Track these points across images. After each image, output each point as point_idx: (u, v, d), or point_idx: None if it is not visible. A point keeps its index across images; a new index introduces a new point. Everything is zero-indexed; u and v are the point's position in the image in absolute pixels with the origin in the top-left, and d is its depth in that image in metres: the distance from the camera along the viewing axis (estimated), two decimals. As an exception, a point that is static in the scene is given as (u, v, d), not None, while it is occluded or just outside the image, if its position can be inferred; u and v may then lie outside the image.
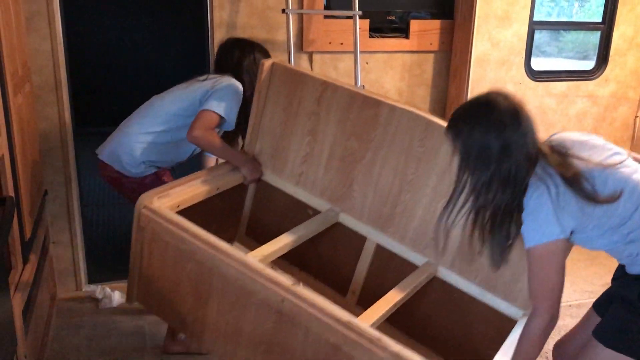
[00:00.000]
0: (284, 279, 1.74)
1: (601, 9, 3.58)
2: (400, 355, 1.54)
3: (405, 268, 2.12)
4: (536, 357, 1.59)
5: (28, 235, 2.22)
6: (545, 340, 1.57)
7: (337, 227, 2.28)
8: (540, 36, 3.55)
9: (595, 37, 3.65)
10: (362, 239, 2.24)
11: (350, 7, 2.94)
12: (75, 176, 2.90)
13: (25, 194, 2.22)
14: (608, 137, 4.08)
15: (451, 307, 2.11)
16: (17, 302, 1.92)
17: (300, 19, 3.04)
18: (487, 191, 1.55)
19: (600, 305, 1.78)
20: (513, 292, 1.95)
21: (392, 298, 1.93)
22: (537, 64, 3.64)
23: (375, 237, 2.20)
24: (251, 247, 2.36)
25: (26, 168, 2.28)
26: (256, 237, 2.49)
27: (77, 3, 5.43)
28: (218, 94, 2.27)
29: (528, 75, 3.46)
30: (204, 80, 2.37)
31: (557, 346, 1.92)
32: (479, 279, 2.01)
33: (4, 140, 1.98)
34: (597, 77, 3.64)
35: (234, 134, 2.51)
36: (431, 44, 3.32)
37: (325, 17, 3.06)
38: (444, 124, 1.98)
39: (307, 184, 2.32)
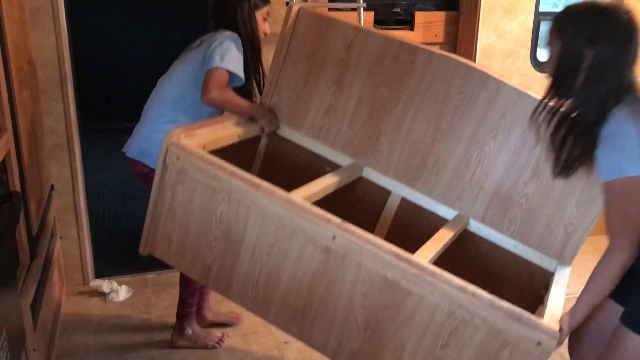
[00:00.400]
0: (333, 216, 1.69)
1: (608, -1, 3.55)
2: (465, 287, 1.53)
3: (432, 222, 2.09)
4: (608, 293, 1.57)
5: (35, 230, 2.23)
6: (620, 277, 1.54)
7: (360, 181, 2.22)
8: (546, 27, 3.52)
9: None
10: (385, 194, 2.19)
11: (354, -1, 2.93)
12: (81, 171, 2.90)
13: (32, 189, 2.23)
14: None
15: (482, 261, 2.08)
16: (26, 296, 1.93)
17: (305, 11, 3.03)
18: (573, 101, 1.49)
19: (619, 293, 1.67)
20: (547, 243, 1.94)
21: (433, 247, 1.86)
22: (544, 55, 3.61)
23: (400, 191, 2.15)
24: None
25: (32, 163, 2.29)
26: None
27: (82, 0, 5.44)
28: (218, 50, 2.15)
29: (534, 67, 3.43)
30: (198, 45, 2.28)
31: (574, 344, 1.83)
32: (512, 230, 1.99)
33: (10, 135, 1.99)
34: (604, 68, 3.61)
35: (244, 90, 2.39)
36: (436, 35, 3.30)
37: (330, 9, 3.05)
38: (485, 70, 1.99)
39: (328, 138, 2.24)
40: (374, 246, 1.63)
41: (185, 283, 2.46)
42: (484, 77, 1.98)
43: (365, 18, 3.02)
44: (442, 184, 2.08)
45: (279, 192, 1.75)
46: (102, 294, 2.96)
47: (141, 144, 2.29)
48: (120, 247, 3.52)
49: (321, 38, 2.19)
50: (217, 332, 2.61)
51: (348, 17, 3.06)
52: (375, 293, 1.65)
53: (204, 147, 1.95)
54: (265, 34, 2.36)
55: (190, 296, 2.49)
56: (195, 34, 2.36)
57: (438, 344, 1.60)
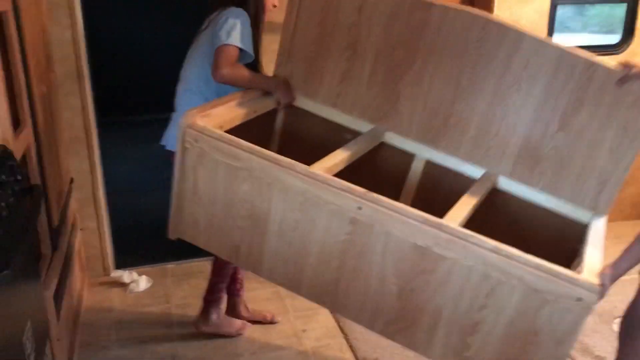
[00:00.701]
0: (357, 187, 1.67)
1: None
2: (498, 248, 1.53)
3: (460, 183, 2.05)
4: None
5: (56, 222, 2.27)
6: None
7: (382, 147, 2.17)
8: (564, 11, 3.47)
9: (620, 10, 3.55)
10: (409, 157, 2.15)
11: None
12: (99, 163, 2.94)
13: (52, 182, 2.26)
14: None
15: (513, 218, 2.05)
16: (48, 287, 1.97)
17: None
18: None
19: None
20: (580, 193, 1.90)
21: (462, 209, 1.82)
22: (562, 40, 3.56)
23: (424, 153, 2.12)
24: None
25: (52, 157, 2.32)
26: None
27: (96, -8, 5.47)
28: (224, 28, 2.10)
29: (551, 52, 3.39)
30: (206, 27, 2.24)
31: (625, 319, 1.81)
32: (542, 184, 1.96)
33: (30, 130, 2.02)
34: (623, 51, 3.55)
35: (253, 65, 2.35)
36: (451, 22, 3.26)
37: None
38: (503, 22, 1.93)
39: (345, 104, 2.19)
40: (401, 213, 1.61)
41: (219, 266, 2.46)
42: (503, 30, 1.91)
43: None
44: (466, 142, 2.03)
45: (300, 166, 1.72)
46: (122, 285, 3.00)
47: (177, 134, 2.28)
48: (140, 237, 3.56)
49: (330, 2, 2.12)
50: (239, 321, 2.62)
51: None
52: (406, 261, 1.64)
53: (221, 127, 1.92)
54: (274, 6, 2.30)
55: (222, 280, 2.48)
56: None
57: (475, 307, 1.60)
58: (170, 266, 3.21)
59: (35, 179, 2.02)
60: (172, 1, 5.77)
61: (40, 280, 1.88)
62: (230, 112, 2.02)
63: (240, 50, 2.12)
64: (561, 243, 1.95)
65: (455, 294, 1.61)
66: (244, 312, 2.67)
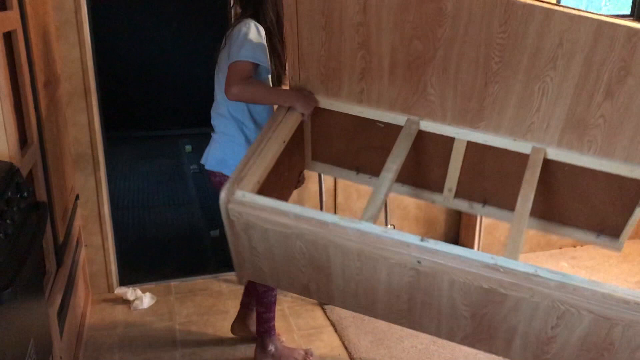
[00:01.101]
0: (412, 237, 1.65)
1: (630, 1, 3.51)
2: (563, 285, 1.54)
3: (506, 159, 2.02)
4: None
5: (61, 239, 2.27)
6: None
7: (420, 136, 2.11)
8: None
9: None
10: (449, 141, 2.10)
11: None
12: (105, 180, 2.95)
13: (58, 199, 2.27)
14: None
15: (568, 186, 2.02)
16: (53, 304, 1.96)
17: None
18: None
19: None
20: (636, 151, 1.85)
21: (525, 205, 1.81)
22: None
23: (464, 135, 2.06)
24: (323, 170, 2.38)
25: (58, 174, 2.33)
26: (325, 160, 2.37)
27: (105, 11, 5.53)
28: (237, 42, 2.03)
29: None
30: (224, 45, 2.18)
31: None
32: (594, 150, 1.91)
33: (36, 147, 2.03)
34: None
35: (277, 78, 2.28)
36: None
37: None
38: (527, 1, 1.78)
39: (371, 99, 2.11)
40: (462, 262, 1.61)
41: (260, 297, 2.42)
42: (528, 10, 1.77)
43: None
44: (507, 120, 1.96)
45: (349, 225, 1.69)
46: (126, 302, 2.99)
47: (217, 154, 2.27)
48: (144, 254, 3.56)
49: (330, 5, 1.99)
50: (300, 350, 2.57)
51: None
52: (474, 296, 1.67)
53: (259, 182, 1.89)
54: None
55: (268, 310, 2.44)
56: (216, 47, 2.31)
57: (548, 326, 1.65)
58: (174, 283, 3.20)
59: (41, 195, 2.03)
60: (178, 18, 5.83)
61: (44, 297, 1.88)
62: (261, 160, 1.94)
63: (258, 64, 2.06)
64: (620, 201, 1.94)
65: (526, 318, 1.66)
66: (252, 326, 2.66)
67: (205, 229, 3.95)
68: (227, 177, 2.09)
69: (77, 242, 2.70)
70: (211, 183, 2.33)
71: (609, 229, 2.04)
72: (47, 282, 2.02)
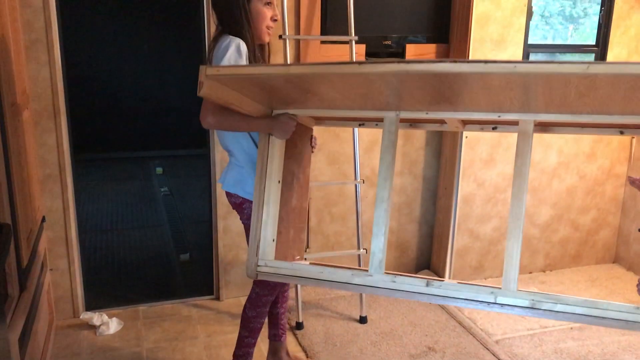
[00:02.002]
0: None
1: (595, 32, 3.62)
2: None
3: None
4: None
5: (25, 262, 2.21)
6: None
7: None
8: (535, 58, 3.59)
9: (589, 58, 3.68)
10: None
11: (346, 32, 2.97)
12: (73, 202, 2.90)
13: (23, 221, 2.21)
14: (605, 157, 4.06)
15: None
16: (14, 330, 1.90)
17: (298, 44, 3.07)
18: None
19: None
20: None
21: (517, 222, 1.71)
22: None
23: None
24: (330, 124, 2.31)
25: (24, 195, 2.28)
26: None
27: (76, 32, 5.50)
28: (214, 63, 1.94)
29: (524, 98, 3.47)
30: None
31: None
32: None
33: (2, 167, 1.98)
34: (593, 99, 3.65)
35: None
36: (427, 67, 3.33)
37: (322, 42, 3.09)
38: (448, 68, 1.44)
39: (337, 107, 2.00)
40: None
41: (247, 322, 2.32)
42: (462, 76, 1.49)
43: (357, 51, 3.07)
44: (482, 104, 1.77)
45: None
46: (92, 327, 2.91)
47: (234, 175, 2.24)
48: (112, 278, 3.49)
49: (250, 78, 1.75)
50: None
51: (340, 50, 3.10)
52: None
53: (274, 241, 2.07)
54: (275, 20, 2.12)
55: (251, 336, 2.33)
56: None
57: None
58: (143, 308, 3.13)
59: (5, 217, 1.97)
60: (150, 41, 5.83)
61: (5, 322, 1.81)
62: (266, 214, 2.07)
63: None
64: None
65: None
66: (285, 358, 2.58)
67: (175, 252, 3.89)
68: (242, 198, 2.22)
69: (42, 265, 2.63)
70: (229, 201, 2.32)
71: None
72: (9, 307, 1.96)
